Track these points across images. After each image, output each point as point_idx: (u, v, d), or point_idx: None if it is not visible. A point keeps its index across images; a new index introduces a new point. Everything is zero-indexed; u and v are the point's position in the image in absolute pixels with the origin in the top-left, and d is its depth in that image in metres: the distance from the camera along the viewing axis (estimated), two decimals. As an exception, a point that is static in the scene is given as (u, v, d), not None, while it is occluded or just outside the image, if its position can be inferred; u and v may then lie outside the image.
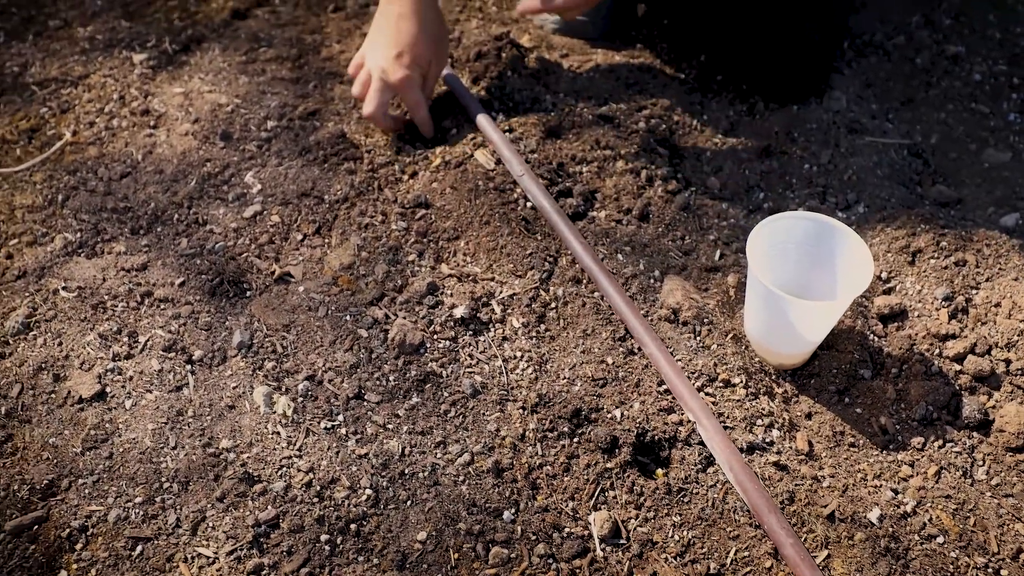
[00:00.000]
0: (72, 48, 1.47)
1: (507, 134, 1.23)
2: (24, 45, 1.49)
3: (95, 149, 1.28)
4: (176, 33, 1.49)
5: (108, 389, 0.98)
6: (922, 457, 0.96)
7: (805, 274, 1.02)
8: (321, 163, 1.23)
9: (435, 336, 1.03)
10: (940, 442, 0.97)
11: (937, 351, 1.04)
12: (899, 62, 1.45)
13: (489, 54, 1.36)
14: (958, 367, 1.02)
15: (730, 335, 1.04)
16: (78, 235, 1.15)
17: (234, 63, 1.42)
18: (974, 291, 1.09)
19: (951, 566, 0.87)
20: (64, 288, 1.08)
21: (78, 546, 0.87)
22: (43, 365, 1.01)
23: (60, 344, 1.03)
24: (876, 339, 1.05)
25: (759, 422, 0.96)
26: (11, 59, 1.46)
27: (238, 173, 1.23)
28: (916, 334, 1.06)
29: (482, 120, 1.23)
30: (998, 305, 1.07)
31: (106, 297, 1.07)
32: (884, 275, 1.13)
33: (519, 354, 1.02)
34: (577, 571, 0.86)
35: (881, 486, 0.93)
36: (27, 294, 1.08)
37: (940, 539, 0.89)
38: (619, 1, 1.45)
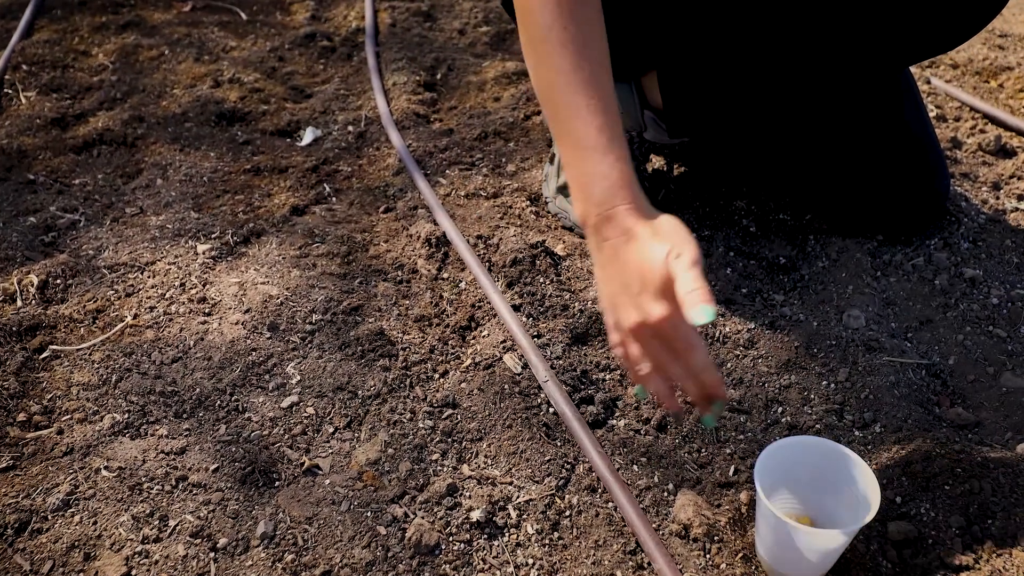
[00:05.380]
0: (143, 235, 1.60)
1: (535, 339, 1.30)
2: (101, 230, 1.63)
3: (152, 333, 1.37)
4: (239, 226, 1.61)
5: (134, 572, 1.02)
6: None
7: (815, 498, 1.04)
8: (358, 358, 1.31)
9: (451, 538, 1.06)
10: None
11: (951, 582, 1.04)
12: (918, 283, 1.51)
13: (524, 261, 1.45)
14: (972, 601, 1.02)
15: (740, 555, 1.05)
16: (126, 416, 1.22)
17: (288, 256, 1.53)
18: (990, 521, 1.09)
19: None
20: (106, 467, 1.14)
21: None
22: (76, 543, 1.05)
23: (95, 523, 1.08)
24: (889, 565, 1.05)
25: (767, 648, 0.96)
26: (88, 243, 1.59)
27: (280, 363, 1.31)
28: (930, 563, 1.06)
29: (513, 325, 1.30)
30: (1014, 537, 1.07)
31: (143, 479, 1.13)
32: (899, 500, 1.14)
33: (531, 561, 1.04)
34: None
35: None
36: (71, 471, 1.14)
37: None
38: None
